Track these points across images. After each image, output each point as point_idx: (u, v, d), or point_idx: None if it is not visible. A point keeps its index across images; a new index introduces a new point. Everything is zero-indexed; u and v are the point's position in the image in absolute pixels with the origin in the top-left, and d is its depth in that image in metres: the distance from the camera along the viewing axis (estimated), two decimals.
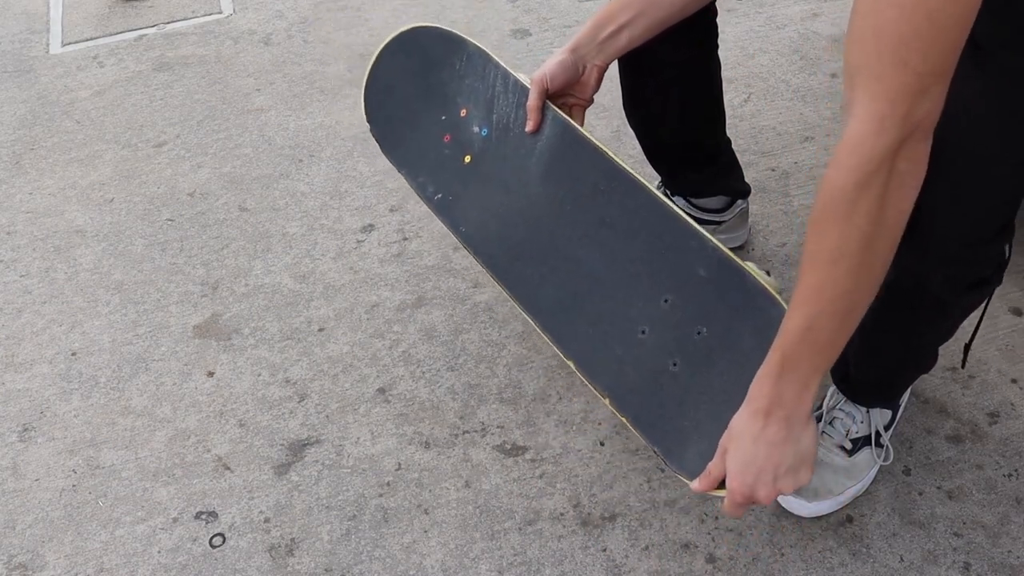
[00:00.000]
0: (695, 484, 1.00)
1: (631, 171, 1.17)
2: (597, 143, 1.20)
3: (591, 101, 1.26)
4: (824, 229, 0.84)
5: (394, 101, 1.38)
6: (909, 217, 0.97)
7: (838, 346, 0.89)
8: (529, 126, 1.22)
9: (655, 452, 1.11)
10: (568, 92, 1.24)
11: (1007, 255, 1.07)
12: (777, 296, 1.07)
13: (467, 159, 1.30)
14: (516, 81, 1.27)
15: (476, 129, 1.30)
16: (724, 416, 1.08)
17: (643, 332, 1.14)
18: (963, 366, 1.27)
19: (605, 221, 1.18)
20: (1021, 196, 0.97)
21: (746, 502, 0.96)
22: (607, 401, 1.14)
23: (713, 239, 1.11)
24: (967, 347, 1.24)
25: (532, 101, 1.21)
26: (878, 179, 0.80)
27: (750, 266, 1.08)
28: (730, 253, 1.10)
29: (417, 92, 1.36)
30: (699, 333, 1.11)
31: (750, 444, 0.93)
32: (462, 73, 1.32)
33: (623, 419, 1.13)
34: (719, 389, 1.09)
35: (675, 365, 1.11)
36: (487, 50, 1.32)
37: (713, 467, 0.98)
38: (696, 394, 1.10)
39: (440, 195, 1.32)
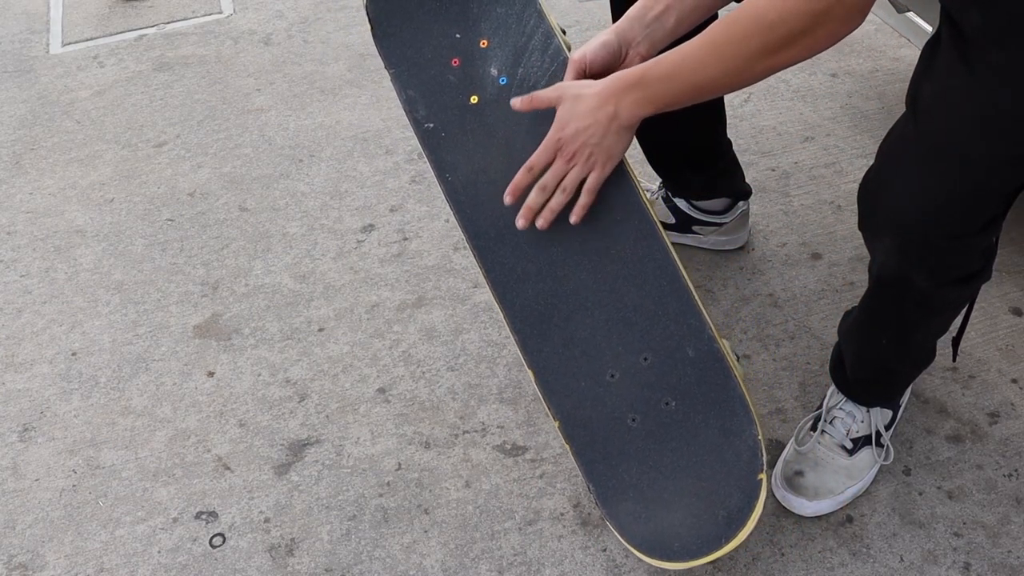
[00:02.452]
0: (515, 101, 1.12)
1: (655, 215, 1.14)
2: (627, 164, 1.14)
3: None
4: (728, 22, 0.96)
5: None
6: (893, 210, 0.98)
7: (677, 101, 1.04)
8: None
9: (588, 489, 1.12)
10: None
11: (995, 249, 1.07)
12: (752, 409, 1.09)
13: (474, 99, 1.19)
14: (559, 47, 1.17)
15: (494, 72, 1.19)
16: (659, 487, 1.09)
17: (612, 376, 1.12)
18: (954, 360, 1.27)
19: (611, 252, 1.13)
20: (1009, 191, 0.96)
21: (551, 154, 1.09)
22: (557, 424, 1.13)
23: (714, 329, 1.10)
24: (955, 341, 1.24)
25: (567, 80, 1.13)
26: (790, 28, 0.92)
27: (729, 350, 1.10)
28: (725, 347, 1.10)
29: None
30: (666, 404, 1.10)
31: (580, 106, 1.07)
32: None
33: (567, 445, 1.12)
34: (667, 463, 1.10)
35: (633, 421, 1.11)
36: None
37: (543, 94, 1.10)
38: (644, 456, 1.11)
39: (432, 125, 1.20)
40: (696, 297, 1.11)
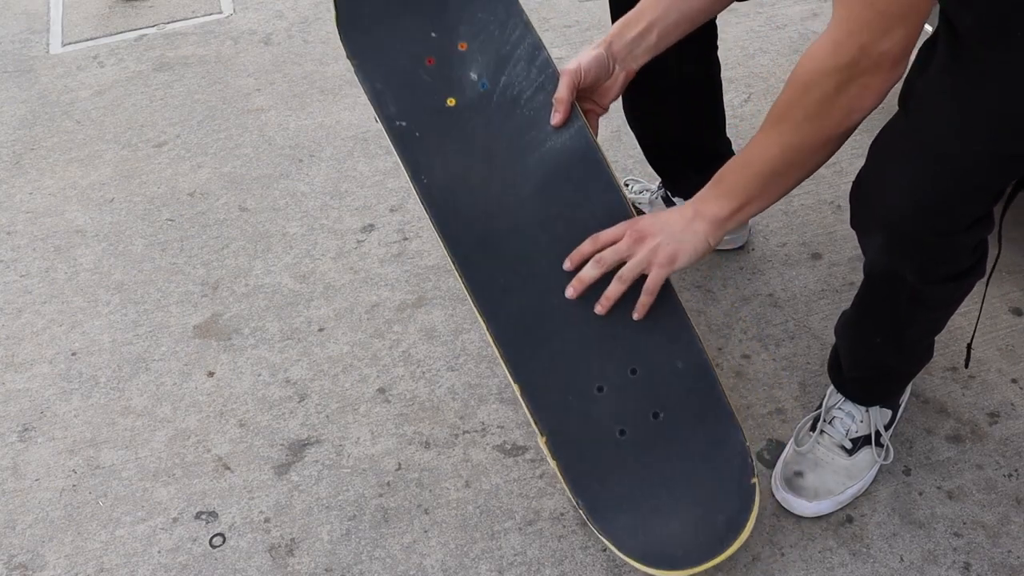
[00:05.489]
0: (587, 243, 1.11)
1: None
2: (617, 181, 1.13)
3: (606, 110, 1.21)
4: (776, 104, 0.97)
5: None
6: (882, 207, 0.98)
7: (755, 193, 1.03)
8: (556, 119, 1.14)
9: (576, 505, 1.10)
10: (588, 96, 1.18)
11: (987, 247, 1.07)
12: (737, 421, 1.10)
13: (451, 102, 1.16)
14: (547, 60, 1.16)
15: (473, 76, 1.16)
16: (654, 499, 1.09)
17: (600, 390, 1.11)
18: (966, 366, 1.26)
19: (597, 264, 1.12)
20: (996, 188, 0.96)
21: (622, 231, 1.08)
22: (543, 440, 1.11)
23: (701, 342, 1.11)
24: (969, 346, 1.24)
25: (562, 93, 1.13)
26: (823, 89, 0.90)
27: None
28: (710, 362, 1.11)
29: None
30: (655, 416, 1.11)
31: (663, 212, 1.09)
32: (476, 1, 1.17)
33: (552, 462, 1.11)
34: (658, 474, 1.10)
35: (622, 434, 1.11)
36: (520, 2, 1.18)
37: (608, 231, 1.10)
38: (636, 469, 1.10)
39: (404, 124, 1.16)
40: (683, 307, 1.12)
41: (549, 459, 1.11)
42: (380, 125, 1.17)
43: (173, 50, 2.35)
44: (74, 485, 1.37)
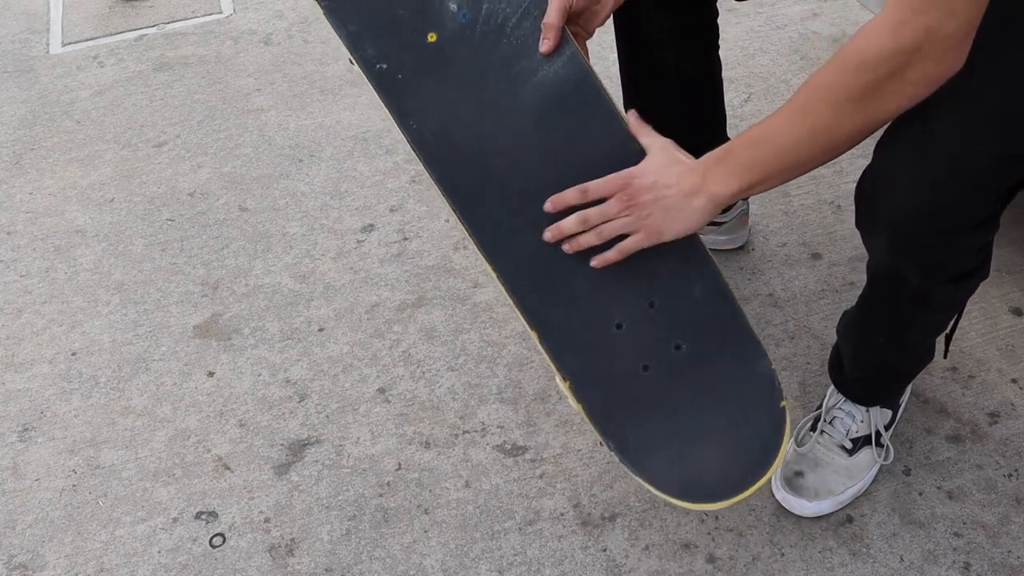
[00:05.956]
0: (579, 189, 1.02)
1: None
2: (616, 106, 1.07)
3: (591, 35, 1.14)
4: (813, 81, 0.90)
5: None
6: (886, 207, 0.97)
7: (767, 174, 0.96)
8: (545, 46, 1.05)
9: (607, 445, 1.07)
10: (575, 19, 1.09)
11: (991, 249, 1.07)
12: (762, 345, 1.06)
13: (432, 38, 1.08)
14: None
15: (453, 7, 1.08)
16: (686, 431, 1.07)
17: (619, 327, 1.07)
18: (945, 356, 1.25)
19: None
20: (999, 189, 0.96)
21: (614, 189, 0.99)
22: (566, 385, 1.07)
23: (716, 265, 1.07)
24: (948, 337, 1.23)
25: (552, 17, 1.04)
26: (877, 73, 0.84)
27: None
28: (728, 286, 1.07)
29: None
30: (677, 347, 1.08)
31: (672, 166, 1.00)
32: None
33: (578, 405, 1.07)
34: (686, 405, 1.07)
35: (646, 369, 1.07)
36: None
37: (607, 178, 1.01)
38: (662, 403, 1.08)
39: (385, 66, 1.08)
40: (696, 233, 1.07)
41: (573, 403, 1.07)
42: (356, 67, 1.10)
43: (173, 50, 2.35)
44: (74, 485, 1.37)
